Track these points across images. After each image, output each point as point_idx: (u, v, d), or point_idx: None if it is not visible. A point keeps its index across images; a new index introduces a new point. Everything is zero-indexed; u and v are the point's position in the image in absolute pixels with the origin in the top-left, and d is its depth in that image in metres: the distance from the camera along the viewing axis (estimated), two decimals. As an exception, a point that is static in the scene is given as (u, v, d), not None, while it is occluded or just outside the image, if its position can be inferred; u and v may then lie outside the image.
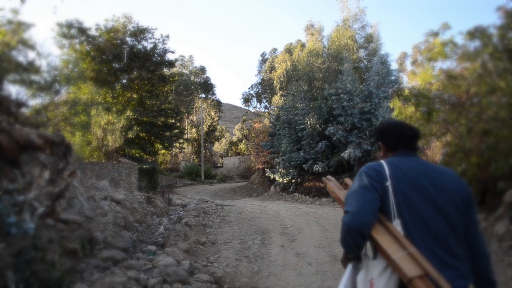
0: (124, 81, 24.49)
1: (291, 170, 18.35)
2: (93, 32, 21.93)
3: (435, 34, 9.32)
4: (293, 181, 18.65)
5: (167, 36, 25.31)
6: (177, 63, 36.07)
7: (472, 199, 1.66)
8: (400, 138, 1.77)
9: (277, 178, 19.65)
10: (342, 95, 16.94)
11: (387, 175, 1.59)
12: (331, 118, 17.65)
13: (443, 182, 1.61)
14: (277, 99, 27.86)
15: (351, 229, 1.52)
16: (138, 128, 20.86)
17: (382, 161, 1.68)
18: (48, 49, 20.70)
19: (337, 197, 1.94)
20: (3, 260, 3.37)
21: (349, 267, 1.71)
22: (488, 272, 1.68)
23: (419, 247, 1.46)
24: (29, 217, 3.89)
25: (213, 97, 44.86)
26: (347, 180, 2.00)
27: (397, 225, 1.53)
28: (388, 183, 1.57)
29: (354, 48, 22.04)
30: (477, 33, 7.08)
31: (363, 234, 1.51)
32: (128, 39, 23.86)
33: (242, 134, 43.34)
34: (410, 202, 1.55)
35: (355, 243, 1.55)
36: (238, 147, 43.50)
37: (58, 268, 4.11)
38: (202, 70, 44.83)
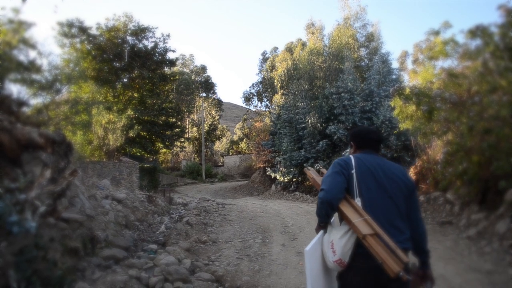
0: (125, 80, 24.52)
1: (292, 169, 18.34)
2: (94, 31, 21.96)
3: (436, 33, 9.29)
4: (294, 180, 18.64)
5: (168, 35, 25.38)
6: (177, 62, 36.07)
7: (415, 189, 2.22)
8: (367, 140, 2.34)
9: (278, 177, 19.64)
10: (343, 94, 16.92)
11: (353, 165, 2.15)
12: (332, 117, 17.63)
13: (394, 174, 2.17)
14: (278, 98, 27.82)
15: (324, 202, 2.06)
16: (139, 127, 20.88)
17: (351, 156, 2.26)
18: (49, 48, 20.74)
19: (315, 182, 2.50)
20: (5, 259, 3.38)
21: (321, 232, 2.24)
22: (423, 244, 2.20)
23: (372, 218, 2.00)
24: (30, 216, 3.90)
25: (214, 96, 44.88)
26: (323, 170, 2.52)
27: (358, 201, 2.08)
28: (353, 171, 2.13)
29: (355, 47, 21.99)
30: (478, 31, 7.06)
31: (332, 206, 2.06)
32: (129, 38, 23.87)
33: (243, 133, 43.34)
34: (368, 186, 2.11)
35: (326, 213, 2.11)
36: (239, 146, 43.49)
37: (59, 266, 4.12)
38: (203, 69, 44.83)
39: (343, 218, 2.07)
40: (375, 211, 2.04)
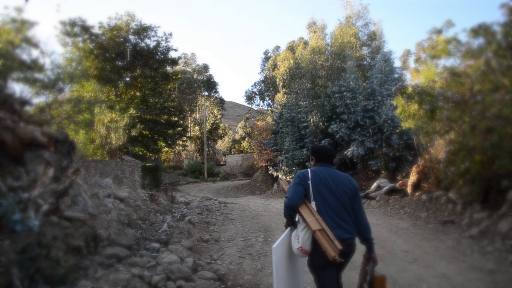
0: (127, 79, 24.52)
1: (294, 168, 18.34)
2: (96, 30, 21.97)
3: (439, 32, 9.27)
4: (296, 179, 18.63)
5: (170, 34, 25.34)
6: (180, 61, 36.06)
7: (357, 191, 2.93)
8: (323, 156, 3.07)
9: (280, 176, 19.65)
10: (345, 93, 16.89)
11: (309, 177, 2.87)
12: (334, 116, 17.62)
13: (340, 181, 2.89)
14: (280, 97, 27.77)
15: (287, 207, 2.82)
16: (141, 126, 20.88)
17: (308, 169, 2.97)
18: (51, 47, 20.66)
19: (284, 190, 3.16)
20: (8, 257, 3.40)
21: (288, 229, 2.96)
22: (366, 233, 2.87)
23: (325, 216, 2.74)
24: (33, 215, 3.92)
25: (216, 95, 44.86)
26: (290, 180, 3.11)
27: (313, 205, 2.80)
28: (309, 181, 2.86)
29: (357, 45, 21.90)
30: (480, 30, 7.04)
31: (294, 209, 2.81)
32: (131, 37, 23.87)
33: (245, 132, 43.29)
34: (321, 192, 2.83)
35: (290, 214, 2.87)
36: (241, 145, 43.49)
37: (62, 265, 4.14)
38: (205, 68, 44.81)
39: (301, 217, 2.78)
40: (327, 211, 2.77)
